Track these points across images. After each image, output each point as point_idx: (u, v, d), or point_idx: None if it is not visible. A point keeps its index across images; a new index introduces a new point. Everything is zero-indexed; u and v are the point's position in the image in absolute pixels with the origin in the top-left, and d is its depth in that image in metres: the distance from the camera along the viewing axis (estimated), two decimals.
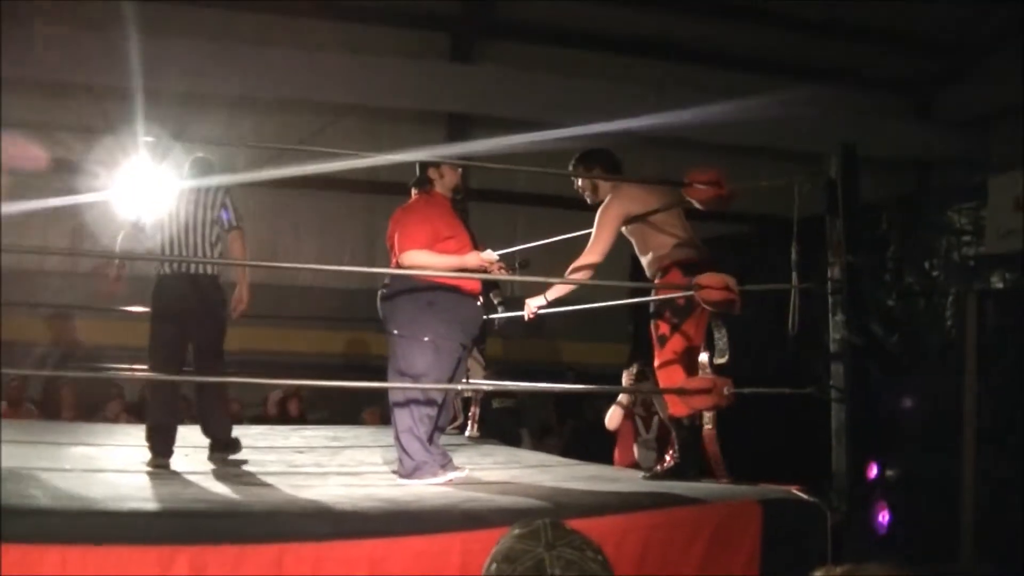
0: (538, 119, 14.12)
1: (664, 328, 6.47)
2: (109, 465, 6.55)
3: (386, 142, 14.68)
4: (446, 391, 6.36)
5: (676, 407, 6.43)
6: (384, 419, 12.08)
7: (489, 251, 6.32)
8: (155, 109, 11.80)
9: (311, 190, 14.94)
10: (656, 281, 6.54)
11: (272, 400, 13.12)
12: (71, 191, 10.66)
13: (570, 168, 6.89)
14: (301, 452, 7.89)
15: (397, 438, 6.18)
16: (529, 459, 8.19)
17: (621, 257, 11.51)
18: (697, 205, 6.32)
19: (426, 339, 6.09)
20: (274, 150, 14.58)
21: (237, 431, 7.34)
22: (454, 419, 9.82)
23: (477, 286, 6.39)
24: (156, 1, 13.23)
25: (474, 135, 15.43)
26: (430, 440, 6.17)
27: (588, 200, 6.86)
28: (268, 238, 14.98)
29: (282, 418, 12.57)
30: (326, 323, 14.46)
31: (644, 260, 6.64)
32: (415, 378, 6.08)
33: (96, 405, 12.39)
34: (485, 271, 6.29)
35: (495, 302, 9.36)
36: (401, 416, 6.12)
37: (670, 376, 6.45)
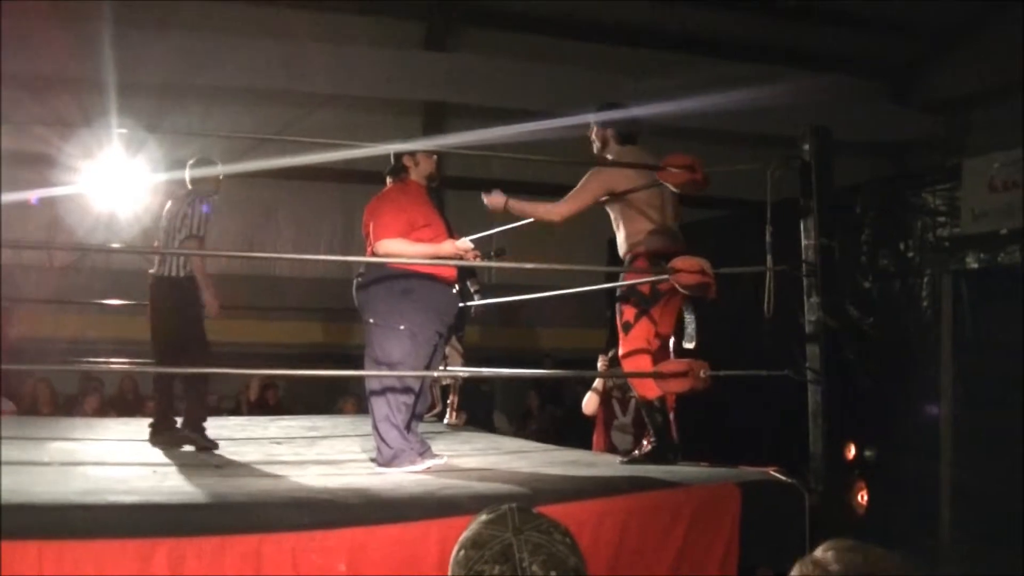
0: (514, 106, 14.13)
1: (628, 315, 6.49)
2: (87, 459, 6.54)
3: (363, 131, 14.64)
4: (423, 379, 6.36)
5: (647, 390, 6.46)
6: (361, 409, 12.14)
7: (464, 239, 6.32)
8: (131, 101, 11.79)
9: (287, 180, 14.93)
10: (625, 276, 6.58)
11: (250, 390, 13.11)
12: (47, 184, 10.62)
13: (593, 114, 6.89)
14: (279, 443, 7.87)
15: (375, 427, 6.18)
16: (508, 445, 8.19)
17: (599, 242, 11.60)
18: (673, 189, 6.33)
19: (402, 327, 6.08)
20: (250, 141, 14.54)
21: (216, 423, 7.37)
22: (432, 407, 9.83)
23: (452, 273, 6.38)
24: None
25: (450, 123, 15.45)
26: (408, 428, 6.17)
27: (594, 150, 6.88)
28: (244, 229, 15.00)
29: (261, 408, 12.57)
30: (303, 313, 14.45)
31: (618, 241, 6.65)
32: (391, 366, 6.08)
33: (74, 399, 12.37)
34: (460, 259, 6.28)
35: (472, 290, 9.36)
36: (378, 405, 6.12)
37: (636, 363, 6.48)
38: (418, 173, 6.45)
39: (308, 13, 14.44)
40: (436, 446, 6.65)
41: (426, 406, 6.94)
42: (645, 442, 6.64)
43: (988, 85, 15.98)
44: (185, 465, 6.36)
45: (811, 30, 16.12)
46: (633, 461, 6.50)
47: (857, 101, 16.91)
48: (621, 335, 6.55)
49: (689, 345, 6.29)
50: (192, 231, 7.39)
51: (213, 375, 8.21)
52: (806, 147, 6.03)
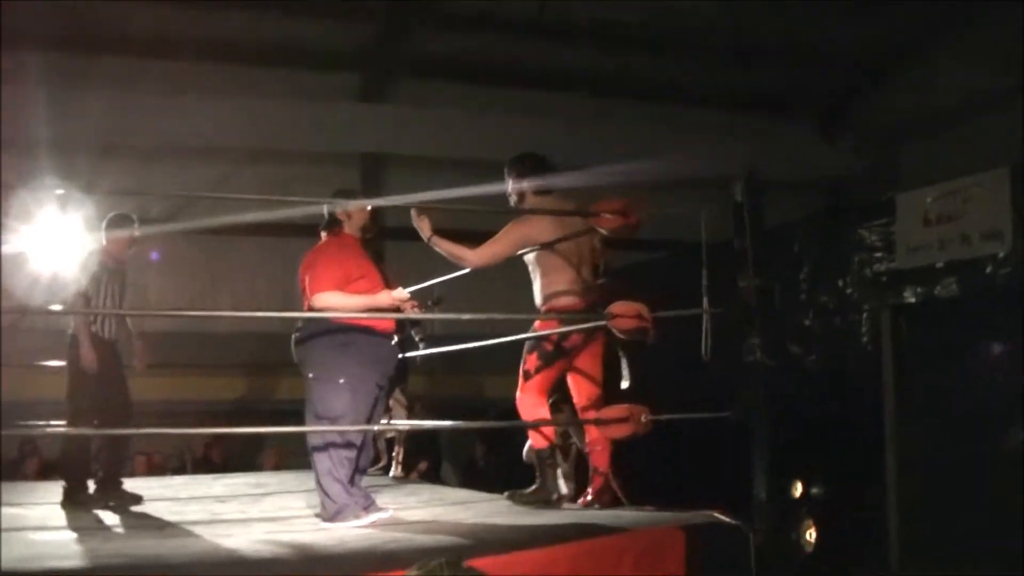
0: (452, 155, 14.19)
1: (530, 365, 6.63)
2: (29, 523, 6.46)
3: (301, 185, 14.60)
4: (365, 432, 6.33)
5: (536, 440, 6.69)
6: (281, 461, 12.07)
7: (400, 289, 6.32)
8: (68, 161, 11.71)
9: (225, 236, 14.84)
10: (537, 323, 6.67)
11: (196, 447, 13.02)
12: None
13: (506, 168, 6.93)
14: (224, 501, 7.81)
15: (318, 482, 6.14)
16: (453, 496, 8.17)
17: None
18: (606, 234, 6.37)
19: (342, 381, 6.05)
20: (188, 198, 14.47)
21: (160, 482, 7.36)
22: (377, 459, 9.78)
23: (391, 325, 6.37)
24: (64, 52, 13.15)
25: (388, 174, 15.48)
26: (351, 482, 6.14)
27: (511, 203, 6.90)
28: (184, 286, 14.87)
29: (206, 466, 12.47)
30: (245, 369, 14.36)
31: (534, 291, 6.72)
32: (332, 420, 6.04)
33: (13, 463, 12.21)
34: (398, 309, 6.29)
35: (417, 339, 9.34)
36: (320, 460, 6.09)
37: (530, 412, 6.64)
38: (352, 226, 6.47)
39: (242, 68, 14.41)
40: (381, 499, 6.61)
41: (369, 459, 6.90)
42: (590, 490, 6.69)
43: (917, 119, 16.19)
44: (127, 527, 6.30)
45: (740, 70, 16.26)
46: (517, 498, 6.72)
47: (788, 139, 17.08)
48: (520, 382, 6.63)
49: (624, 384, 6.38)
50: (79, 289, 7.51)
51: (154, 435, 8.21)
52: (738, 188, 6.08)
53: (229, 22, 14.01)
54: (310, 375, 6.20)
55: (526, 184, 6.78)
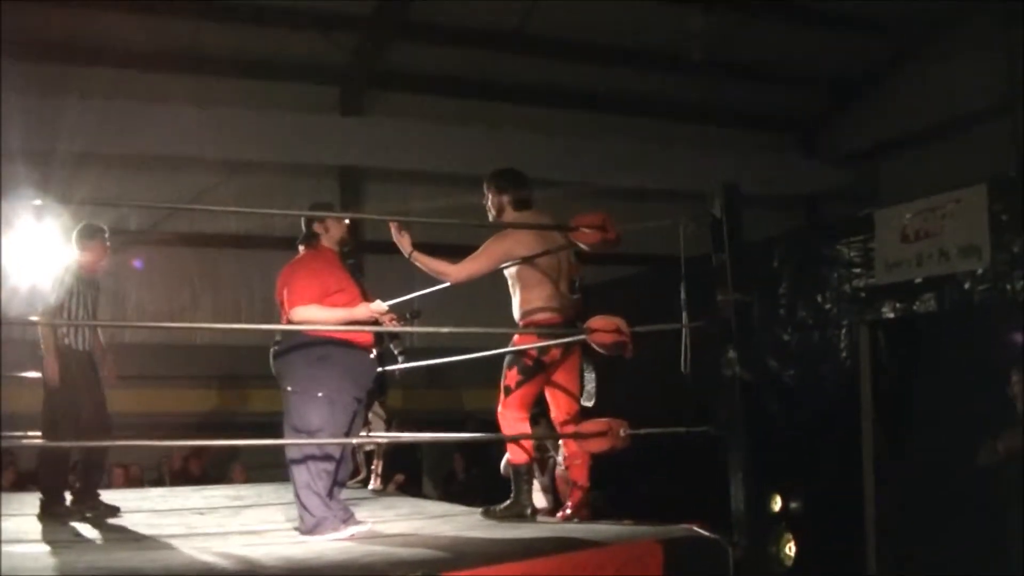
0: (431, 169, 14.21)
1: (510, 380, 6.62)
2: (3, 536, 6.41)
3: (279, 197, 14.58)
4: (344, 445, 6.31)
5: (516, 456, 6.67)
6: (250, 475, 12.03)
7: (379, 302, 6.31)
8: (45, 171, 11.68)
9: (204, 248, 14.83)
10: (515, 337, 6.67)
11: (174, 460, 12.97)
12: None
13: (485, 183, 6.92)
14: (202, 514, 7.77)
15: (296, 495, 6.13)
16: (433, 509, 8.14)
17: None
18: (584, 248, 6.37)
19: (320, 394, 6.03)
20: (167, 209, 14.45)
21: (138, 495, 7.34)
22: (356, 472, 9.76)
23: (369, 339, 6.36)
24: (44, 62, 13.13)
25: (367, 187, 15.49)
26: (330, 495, 6.12)
27: (490, 218, 6.90)
28: (163, 297, 14.83)
29: (184, 478, 12.42)
30: (223, 381, 14.31)
31: (513, 305, 6.72)
32: (311, 434, 6.02)
33: None
34: (376, 323, 6.28)
35: (395, 352, 9.31)
36: (299, 473, 6.06)
37: (512, 427, 6.65)
38: (329, 239, 6.46)
39: (224, 80, 14.43)
40: (360, 512, 6.59)
41: (348, 472, 6.88)
42: (569, 503, 6.69)
43: (895, 135, 16.29)
44: (104, 540, 6.27)
45: (720, 86, 16.35)
46: (491, 514, 6.68)
47: (767, 155, 17.18)
48: (501, 397, 6.63)
49: (587, 403, 6.40)
50: (52, 301, 7.56)
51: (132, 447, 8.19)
52: (716, 203, 6.09)
53: (208, 34, 14.04)
54: (288, 388, 6.18)
55: (505, 199, 6.78)
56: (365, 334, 6.26)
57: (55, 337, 7.57)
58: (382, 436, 9.24)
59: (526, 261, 6.54)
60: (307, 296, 6.10)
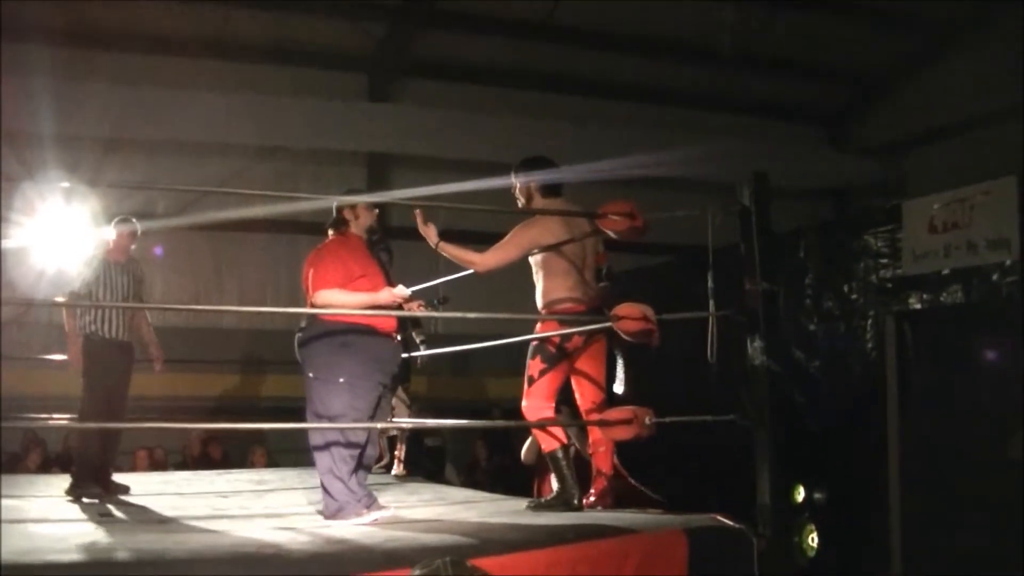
0: (458, 156, 14.19)
1: (533, 370, 6.59)
2: (29, 516, 6.46)
3: (307, 183, 14.68)
4: (368, 430, 6.32)
5: (547, 443, 6.59)
6: (271, 460, 12.08)
7: (401, 287, 6.31)
8: (74, 154, 11.73)
9: (232, 232, 14.87)
10: (538, 326, 6.65)
11: (193, 444, 13.02)
12: None
13: (513, 171, 6.91)
14: (226, 496, 7.82)
15: (320, 480, 6.16)
16: (455, 496, 8.16)
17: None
18: (613, 236, 6.36)
19: (341, 380, 6.05)
20: (195, 193, 14.50)
21: (162, 477, 7.39)
22: (380, 458, 9.78)
23: (392, 324, 6.36)
24: (74, 47, 13.17)
25: (395, 174, 15.48)
26: (354, 479, 6.14)
27: (519, 204, 6.89)
28: (189, 281, 14.89)
29: (206, 462, 12.46)
30: (252, 366, 14.35)
31: (537, 293, 6.70)
32: (332, 419, 6.04)
33: (16, 456, 12.21)
34: (400, 307, 6.29)
35: (417, 340, 9.32)
36: (321, 458, 6.09)
37: (537, 417, 6.61)
38: (358, 226, 6.48)
39: (251, 66, 14.46)
40: (383, 497, 6.61)
41: (373, 457, 6.89)
42: (593, 490, 6.68)
43: (923, 128, 16.20)
44: (129, 521, 6.30)
45: (748, 77, 16.30)
46: (539, 507, 6.59)
47: (796, 146, 17.12)
48: (525, 387, 6.61)
49: (619, 389, 6.36)
50: (73, 288, 7.73)
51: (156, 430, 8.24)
52: (745, 193, 6.07)
53: (237, 20, 14.06)
54: (310, 375, 6.21)
55: (534, 186, 6.77)
56: (388, 320, 6.27)
57: (75, 322, 7.63)
58: (405, 422, 9.24)
59: (552, 249, 6.52)
60: (331, 280, 6.13)
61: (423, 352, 9.18)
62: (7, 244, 8.21)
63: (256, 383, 14.48)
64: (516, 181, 6.85)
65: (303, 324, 6.35)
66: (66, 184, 8.16)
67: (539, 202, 6.76)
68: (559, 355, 6.53)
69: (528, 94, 16.02)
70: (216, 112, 13.65)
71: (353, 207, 6.47)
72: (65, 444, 12.71)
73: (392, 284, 6.40)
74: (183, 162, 14.33)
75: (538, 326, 6.66)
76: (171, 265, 14.39)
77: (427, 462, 11.37)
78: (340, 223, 6.49)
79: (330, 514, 6.06)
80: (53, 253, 8.40)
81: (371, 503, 6.16)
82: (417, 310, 6.53)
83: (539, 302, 6.67)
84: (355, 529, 5.73)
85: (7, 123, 12.19)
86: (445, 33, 15.23)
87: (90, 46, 13.59)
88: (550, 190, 6.79)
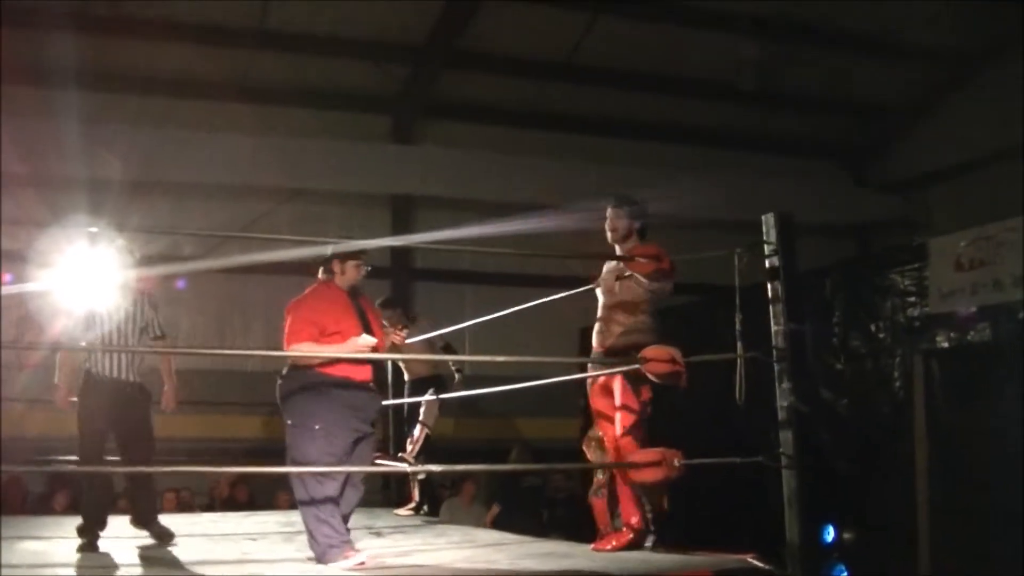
0: (482, 197, 14.23)
1: (633, 402, 6.50)
2: (56, 560, 6.47)
3: (332, 225, 14.70)
4: (346, 478, 6.32)
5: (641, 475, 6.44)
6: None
7: (365, 336, 6.27)
8: (100, 198, 11.78)
9: (256, 275, 14.89)
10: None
11: (221, 487, 13.02)
12: (17, 281, 10.58)
13: (615, 205, 6.86)
14: (254, 540, 7.80)
15: (305, 524, 6.21)
16: (483, 538, 8.13)
17: (570, 331, 11.66)
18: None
19: (316, 427, 6.14)
20: (220, 237, 14.55)
21: (189, 519, 7.36)
22: (409, 500, 9.78)
23: (367, 375, 6.40)
24: (100, 91, 13.27)
25: (419, 215, 15.51)
26: (338, 521, 6.18)
27: (610, 239, 6.84)
28: (214, 324, 14.92)
29: (233, 505, 12.46)
30: (273, 408, 14.33)
31: (608, 329, 6.67)
32: (308, 465, 6.11)
33: (44, 497, 12.24)
34: (375, 350, 6.31)
35: (453, 369, 9.37)
36: (304, 503, 6.16)
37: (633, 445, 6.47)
38: (343, 280, 6.52)
39: (275, 108, 14.55)
40: (411, 540, 6.61)
41: (352, 506, 6.75)
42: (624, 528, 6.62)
43: (945, 164, 16.18)
44: (158, 564, 6.30)
45: (770, 114, 16.33)
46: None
47: (817, 183, 17.12)
48: (621, 415, 6.54)
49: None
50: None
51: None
52: (771, 232, 6.06)
53: (262, 62, 14.17)
54: (289, 422, 6.32)
55: (636, 226, 6.75)
56: (363, 371, 6.34)
57: (72, 363, 7.60)
58: (398, 465, 9.25)
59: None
60: (303, 336, 6.24)
61: (460, 393, 9.18)
62: (35, 288, 8.19)
63: (279, 426, 14.45)
64: (623, 217, 6.79)
65: (284, 372, 6.40)
66: (93, 229, 8.15)
67: (631, 243, 6.70)
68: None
69: (551, 135, 16.06)
70: (241, 154, 13.74)
71: (343, 261, 6.49)
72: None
73: (372, 331, 6.40)
74: (209, 204, 14.40)
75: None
76: (196, 307, 14.43)
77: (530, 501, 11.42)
78: (328, 271, 6.57)
79: (319, 557, 6.10)
80: (80, 296, 8.38)
81: (352, 545, 6.17)
82: (396, 337, 6.59)
83: (611, 339, 6.63)
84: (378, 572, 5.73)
85: (35, 167, 12.31)
86: (468, 74, 15.32)
87: (116, 89, 13.71)
88: (643, 233, 6.80)
